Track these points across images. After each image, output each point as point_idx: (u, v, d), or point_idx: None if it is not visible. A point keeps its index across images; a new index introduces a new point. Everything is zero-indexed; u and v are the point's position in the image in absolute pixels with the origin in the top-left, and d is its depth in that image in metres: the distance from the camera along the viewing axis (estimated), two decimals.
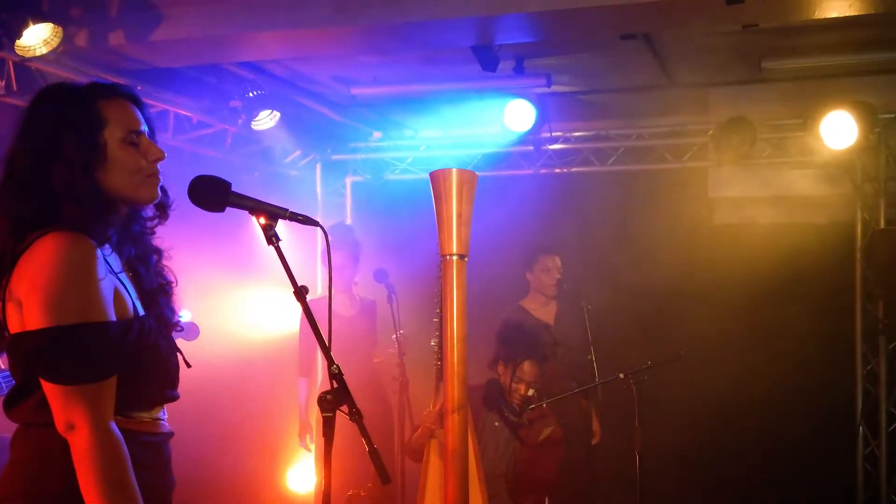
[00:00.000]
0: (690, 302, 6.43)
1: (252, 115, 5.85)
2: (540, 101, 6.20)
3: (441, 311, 3.09)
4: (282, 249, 2.14)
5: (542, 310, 5.99)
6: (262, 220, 2.17)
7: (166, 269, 2.32)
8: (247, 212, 2.17)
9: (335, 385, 2.12)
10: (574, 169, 7.04)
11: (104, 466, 1.96)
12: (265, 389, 6.58)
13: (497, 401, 4.41)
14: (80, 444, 1.96)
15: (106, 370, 2.01)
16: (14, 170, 2.10)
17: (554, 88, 6.09)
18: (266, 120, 5.97)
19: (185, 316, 4.21)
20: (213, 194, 2.18)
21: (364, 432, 2.12)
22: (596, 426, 5.71)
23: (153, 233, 2.28)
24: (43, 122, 2.11)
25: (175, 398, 2.24)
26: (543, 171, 7.06)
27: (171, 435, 2.24)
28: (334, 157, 7.65)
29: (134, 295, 2.15)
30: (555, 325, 5.94)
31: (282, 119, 6.04)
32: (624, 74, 6.19)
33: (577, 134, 6.98)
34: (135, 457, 2.03)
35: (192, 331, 4.21)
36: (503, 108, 6.20)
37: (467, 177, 2.99)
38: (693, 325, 6.32)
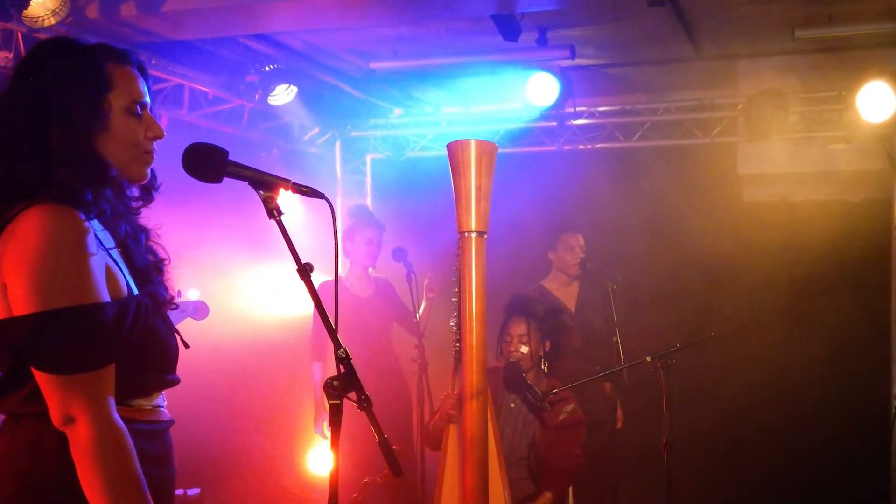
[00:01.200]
0: (720, 282, 6.27)
1: (269, 90, 5.72)
2: (564, 75, 6.04)
3: (459, 291, 2.94)
4: (284, 224, 1.99)
5: (564, 290, 5.83)
6: (263, 192, 2.02)
7: (157, 247, 2.16)
8: (246, 183, 2.02)
9: (342, 370, 1.97)
10: (599, 145, 6.89)
11: (109, 462, 1.81)
12: (284, 371, 6.48)
13: (518, 384, 4.24)
14: (82, 439, 1.81)
15: (104, 356, 1.86)
16: (7, 125, 1.93)
17: (578, 61, 5.92)
18: (283, 95, 5.84)
19: (192, 295, 4.08)
20: (208, 164, 2.01)
21: (374, 421, 1.97)
22: (619, 411, 5.56)
23: (139, 213, 2.13)
24: (45, 76, 1.94)
25: (175, 382, 2.09)
26: (567, 147, 6.91)
27: (171, 423, 2.10)
28: (354, 133, 7.54)
29: (127, 273, 2.00)
30: (577, 306, 5.78)
31: (300, 95, 5.92)
32: (651, 46, 6.00)
33: (601, 108, 6.82)
34: (136, 447, 1.88)
35: (202, 310, 4.07)
36: (525, 83, 6.03)
37: (487, 148, 2.84)
38: (723, 305, 6.17)
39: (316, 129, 7.31)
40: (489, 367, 3.39)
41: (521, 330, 4.38)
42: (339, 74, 6.33)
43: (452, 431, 3.90)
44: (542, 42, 5.54)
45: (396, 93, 7.00)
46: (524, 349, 4.34)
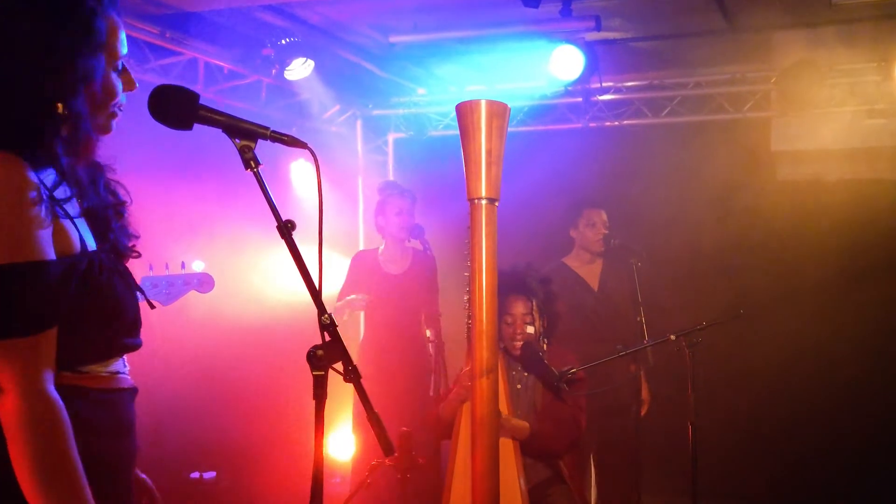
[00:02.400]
0: (750, 261, 6.08)
1: (285, 64, 5.58)
2: (589, 49, 5.82)
3: (469, 264, 2.77)
4: (261, 175, 1.83)
5: (586, 268, 5.67)
6: (239, 140, 1.86)
7: (116, 185, 1.97)
8: (220, 130, 1.86)
9: (327, 338, 1.81)
10: (625, 121, 6.71)
11: (39, 438, 1.64)
12: (301, 352, 6.36)
13: (536, 364, 4.03)
14: (10, 412, 1.64)
15: (42, 320, 1.68)
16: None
17: (604, 34, 5.72)
18: (300, 69, 5.69)
19: (197, 266, 3.95)
20: (177, 108, 1.84)
21: (363, 394, 1.82)
22: (645, 393, 5.38)
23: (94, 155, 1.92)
24: (47, 16, 1.75)
25: (136, 347, 1.91)
26: (593, 124, 6.74)
27: (133, 391, 1.92)
28: (375, 112, 7.40)
29: (83, 226, 1.83)
30: (600, 284, 5.62)
31: (319, 72, 5.79)
32: (680, 18, 5.78)
33: (628, 84, 6.64)
34: (86, 419, 1.72)
35: (207, 282, 3.92)
36: (549, 59, 5.82)
37: (497, 109, 2.65)
38: (752, 284, 5.99)
39: (336, 107, 7.18)
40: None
41: (523, 309, 4.14)
42: (358, 50, 6.17)
43: (465, 414, 3.73)
44: (566, 13, 5.32)
45: (418, 70, 6.83)
46: (530, 329, 4.11)
